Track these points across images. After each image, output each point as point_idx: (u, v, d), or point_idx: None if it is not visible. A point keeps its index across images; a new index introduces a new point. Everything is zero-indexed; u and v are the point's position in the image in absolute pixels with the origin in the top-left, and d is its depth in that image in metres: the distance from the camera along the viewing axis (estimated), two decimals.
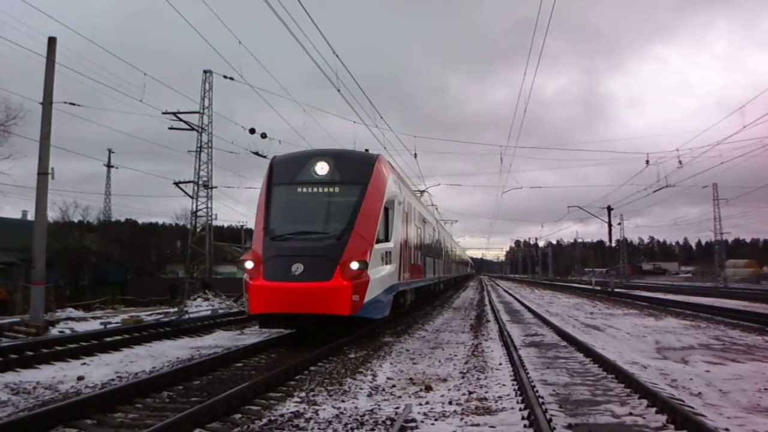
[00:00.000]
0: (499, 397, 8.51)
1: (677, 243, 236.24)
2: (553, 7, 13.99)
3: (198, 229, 39.41)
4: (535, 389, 8.48)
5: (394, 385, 9.38)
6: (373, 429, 6.81)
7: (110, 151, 65.97)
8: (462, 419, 7.27)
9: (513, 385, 9.31)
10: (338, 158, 14.84)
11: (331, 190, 14.30)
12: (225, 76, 30.38)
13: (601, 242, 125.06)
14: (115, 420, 7.31)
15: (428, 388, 9.10)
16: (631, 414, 7.49)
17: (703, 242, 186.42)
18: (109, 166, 66.35)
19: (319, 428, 6.82)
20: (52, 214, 45.09)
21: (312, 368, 10.71)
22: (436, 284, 32.14)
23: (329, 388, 9.09)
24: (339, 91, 18.42)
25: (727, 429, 6.68)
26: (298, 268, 12.73)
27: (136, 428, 6.81)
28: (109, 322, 20.10)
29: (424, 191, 38.49)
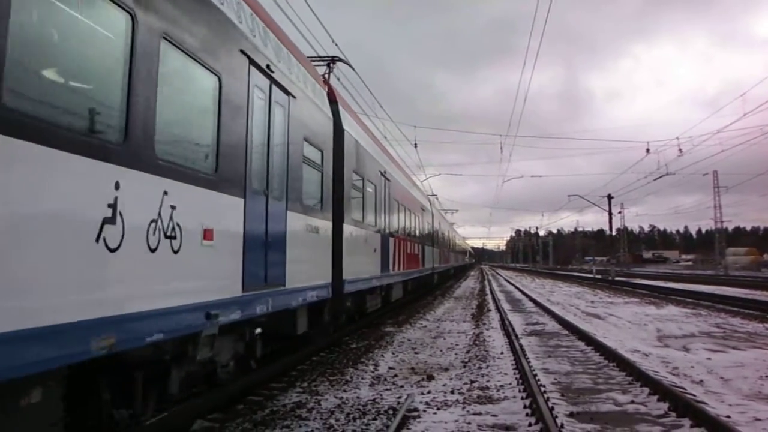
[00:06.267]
0: (501, 386, 8.52)
1: (677, 231, 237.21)
2: (549, 10, 13.90)
3: None
4: (536, 378, 8.50)
5: (395, 375, 9.39)
6: (375, 419, 6.81)
7: None
8: (464, 408, 7.28)
9: (515, 373, 9.32)
10: None
11: None
12: None
13: (601, 231, 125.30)
14: None
15: (430, 378, 9.11)
16: (633, 402, 7.50)
17: (704, 230, 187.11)
18: None
19: (321, 418, 6.83)
20: None
21: (314, 358, 10.72)
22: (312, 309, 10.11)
23: (331, 378, 9.11)
24: (339, 80, 18.34)
25: (728, 416, 6.68)
26: None
27: None
28: None
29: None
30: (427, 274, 28.15)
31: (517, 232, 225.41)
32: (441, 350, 11.97)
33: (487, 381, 8.89)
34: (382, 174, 15.52)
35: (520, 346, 11.60)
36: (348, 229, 11.56)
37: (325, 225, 9.98)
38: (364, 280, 12.98)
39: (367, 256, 13.48)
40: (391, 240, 16.61)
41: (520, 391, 8.06)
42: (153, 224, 4.57)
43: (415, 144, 31.57)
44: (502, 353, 11.43)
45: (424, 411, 7.14)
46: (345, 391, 8.26)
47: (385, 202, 15.99)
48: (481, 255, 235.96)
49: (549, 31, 18.53)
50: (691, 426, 6.40)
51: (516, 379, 8.92)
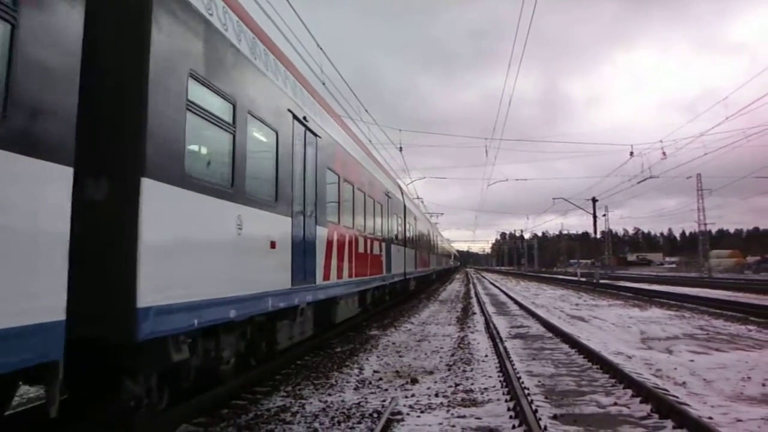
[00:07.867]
0: (485, 388, 8.53)
1: (661, 234, 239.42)
2: (532, 18, 14.02)
3: None
4: (520, 380, 8.52)
5: (380, 378, 9.37)
6: (359, 422, 6.79)
7: None
8: (448, 411, 7.28)
9: (499, 376, 9.34)
10: None
11: None
12: None
13: (586, 234, 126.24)
14: None
15: (414, 381, 9.10)
16: (616, 404, 7.54)
17: (687, 233, 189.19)
18: None
19: (305, 422, 6.79)
20: None
21: (298, 362, 10.67)
22: None
23: (316, 382, 9.07)
24: (324, 84, 18.33)
25: (710, 417, 6.74)
26: None
27: None
28: None
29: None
30: (398, 281, 21.81)
31: (503, 235, 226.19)
32: (425, 353, 11.97)
33: (472, 384, 8.90)
34: (298, 120, 9.20)
35: (505, 349, 11.63)
36: (173, 196, 5.30)
37: (36, 172, 3.68)
38: (235, 303, 6.55)
39: (244, 257, 6.91)
40: (322, 231, 10.57)
41: (504, 394, 8.07)
42: None
43: (400, 148, 31.64)
44: (486, 356, 11.45)
45: (408, 414, 7.13)
46: (330, 394, 8.23)
47: (306, 167, 9.63)
48: (467, 258, 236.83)
49: (530, 37, 18.63)
50: (674, 427, 6.45)
51: (500, 381, 8.94)
